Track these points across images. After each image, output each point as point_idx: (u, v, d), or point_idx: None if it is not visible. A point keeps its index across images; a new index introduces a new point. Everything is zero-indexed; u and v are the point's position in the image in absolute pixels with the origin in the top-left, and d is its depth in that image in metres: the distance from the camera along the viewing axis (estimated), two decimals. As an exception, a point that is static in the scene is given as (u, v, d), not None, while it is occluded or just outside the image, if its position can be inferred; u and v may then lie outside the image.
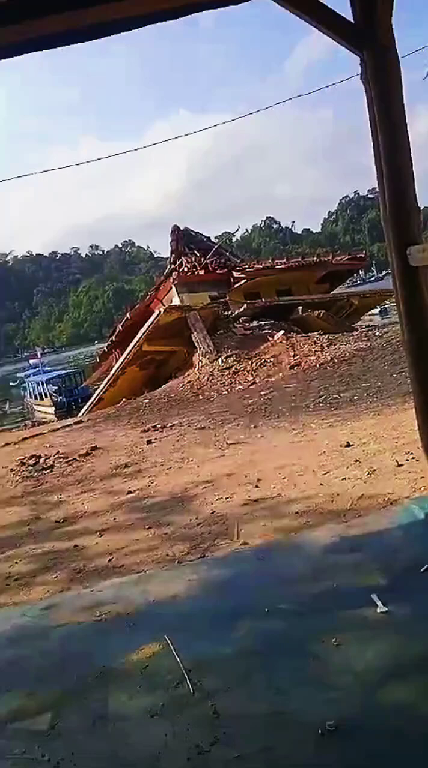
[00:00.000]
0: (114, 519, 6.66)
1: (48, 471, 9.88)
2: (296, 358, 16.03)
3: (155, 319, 19.36)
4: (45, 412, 32.59)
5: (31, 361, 52.76)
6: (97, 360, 29.18)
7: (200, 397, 14.98)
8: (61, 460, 10.43)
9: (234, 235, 67.86)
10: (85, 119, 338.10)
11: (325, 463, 6.90)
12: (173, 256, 25.86)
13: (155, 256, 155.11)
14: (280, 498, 6.11)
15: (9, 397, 45.84)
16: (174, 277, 23.14)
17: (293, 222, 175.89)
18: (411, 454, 6.16)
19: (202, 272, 23.46)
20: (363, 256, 31.22)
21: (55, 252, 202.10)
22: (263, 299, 21.53)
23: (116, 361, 22.10)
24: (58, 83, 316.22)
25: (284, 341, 17.53)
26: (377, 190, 4.01)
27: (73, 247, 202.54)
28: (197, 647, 3.45)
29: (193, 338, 18.65)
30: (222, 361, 17.19)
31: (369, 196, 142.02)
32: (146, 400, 16.24)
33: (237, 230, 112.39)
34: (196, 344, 18.52)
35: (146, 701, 3.08)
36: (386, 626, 3.32)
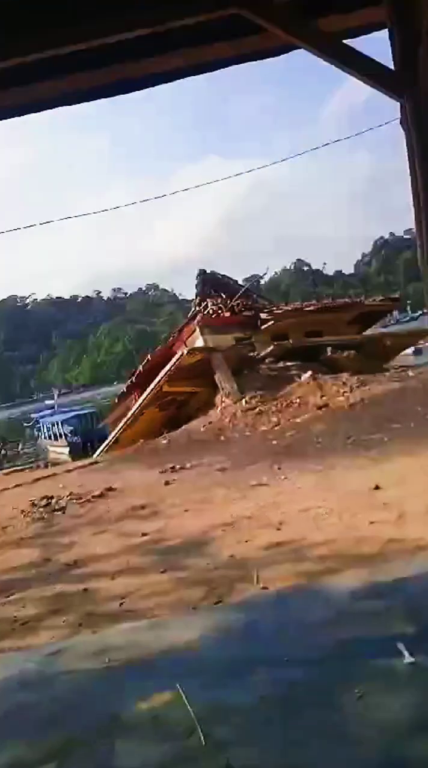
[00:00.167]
0: (127, 562, 6.50)
1: (60, 512, 9.76)
2: (324, 399, 15.76)
3: (177, 360, 19.33)
4: (59, 453, 32.50)
5: (47, 402, 52.95)
6: (116, 401, 29.18)
7: (222, 438, 14.78)
8: (74, 501, 10.31)
9: (262, 278, 68.53)
10: (114, 164, 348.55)
11: (352, 506, 6.69)
12: (198, 298, 26.01)
13: (180, 298, 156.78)
14: (303, 541, 5.91)
15: (22, 438, 45.90)
16: (199, 319, 23.19)
17: (325, 264, 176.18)
18: (444, 498, 5.92)
19: (228, 314, 23.50)
20: (397, 296, 31.03)
21: (77, 295, 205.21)
22: (291, 341, 21.43)
23: (135, 402, 22.05)
24: (87, 129, 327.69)
25: (311, 382, 17.28)
26: (413, 230, 3.96)
27: (95, 290, 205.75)
28: (211, 696, 3.28)
29: (216, 379, 18.55)
30: (246, 402, 17.00)
31: (405, 236, 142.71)
32: (165, 441, 16.10)
33: (265, 272, 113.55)
34: (219, 384, 18.41)
35: (156, 752, 2.92)
36: (413, 678, 3.11)
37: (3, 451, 38.01)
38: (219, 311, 23.72)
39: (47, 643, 4.68)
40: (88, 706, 3.49)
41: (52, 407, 45.47)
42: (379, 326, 31.40)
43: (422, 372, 17.76)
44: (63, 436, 33.74)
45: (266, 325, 21.97)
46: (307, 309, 23.59)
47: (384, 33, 3.81)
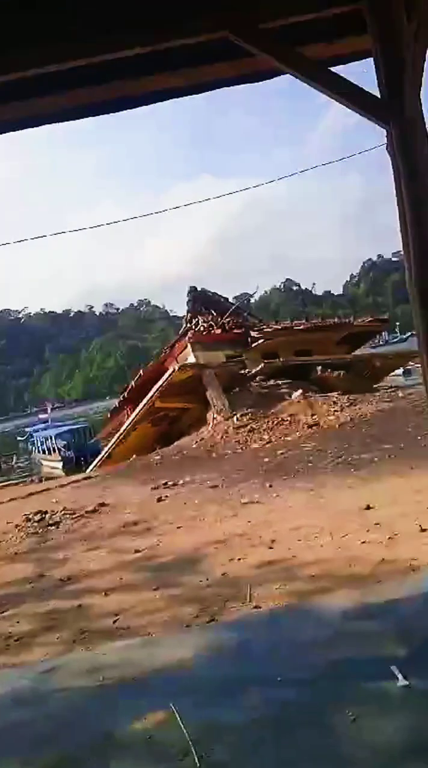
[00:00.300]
0: (120, 578, 6.48)
1: (54, 527, 9.71)
2: (314, 417, 15.84)
3: (169, 376, 19.39)
4: (52, 468, 32.39)
5: (40, 416, 52.77)
6: (108, 416, 29.15)
7: (214, 455, 14.78)
8: (67, 516, 10.27)
9: (252, 296, 68.70)
10: (105, 182, 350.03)
11: (343, 525, 6.70)
12: (189, 315, 26.12)
13: (171, 315, 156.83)
14: (295, 560, 5.93)
15: (16, 452, 45.71)
16: (190, 335, 23.29)
17: (314, 284, 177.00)
18: (436, 518, 5.96)
19: (219, 331, 23.62)
20: (385, 318, 31.28)
21: (69, 310, 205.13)
22: (281, 359, 21.54)
23: (128, 418, 22.07)
24: (81, 144, 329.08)
25: (302, 400, 17.39)
26: (401, 253, 4.04)
27: (87, 305, 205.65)
28: (204, 716, 3.27)
29: (207, 395, 18.60)
30: (237, 419, 17.05)
31: (393, 259, 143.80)
32: (158, 457, 16.08)
33: (255, 291, 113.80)
34: (210, 401, 18.46)
35: None
36: (406, 701, 3.11)
37: (-2, 465, 37.79)
38: (210, 328, 23.84)
39: (41, 659, 4.66)
40: (82, 724, 3.48)
41: (46, 421, 45.35)
42: (368, 347, 31.65)
43: (411, 393, 17.87)
44: (56, 451, 33.68)
45: (256, 343, 22.08)
46: (297, 328, 23.75)
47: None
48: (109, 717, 3.48)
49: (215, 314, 24.94)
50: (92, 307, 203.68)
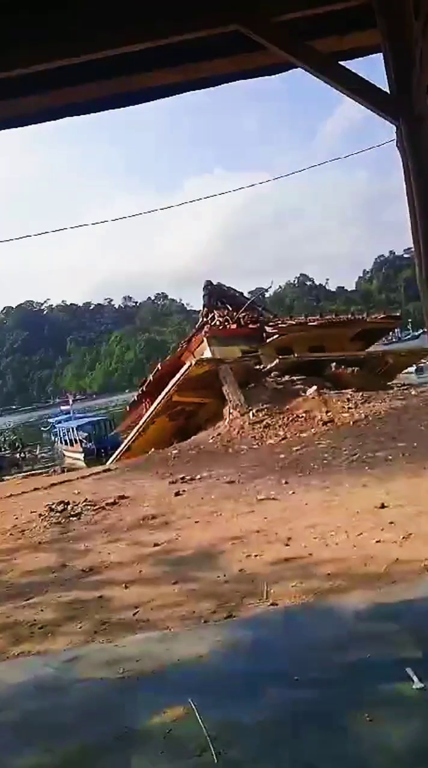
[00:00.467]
0: (140, 571, 6.58)
1: (76, 518, 9.85)
2: (329, 414, 15.85)
3: (186, 371, 19.45)
4: (75, 459, 32.76)
5: (62, 408, 53.42)
6: (127, 409, 29.36)
7: (230, 451, 14.88)
8: (88, 507, 10.40)
9: (267, 291, 68.37)
10: (119, 175, 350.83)
11: (358, 524, 6.76)
12: (205, 309, 26.12)
13: (187, 309, 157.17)
14: (311, 558, 5.98)
15: (40, 442, 46.32)
16: (206, 330, 23.32)
17: (327, 280, 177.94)
18: (451, 518, 6.01)
19: (234, 326, 23.62)
20: (398, 315, 31.11)
21: (89, 302, 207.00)
22: (296, 355, 21.54)
23: (146, 411, 22.19)
24: (98, 140, 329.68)
25: (316, 397, 17.40)
26: (413, 249, 4.05)
27: (106, 298, 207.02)
28: (222, 713, 3.34)
29: (224, 391, 18.64)
30: (253, 415, 17.10)
31: (405, 255, 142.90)
32: (175, 451, 16.20)
33: (270, 286, 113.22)
34: (226, 397, 18.53)
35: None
36: (423, 703, 3.15)
37: (22, 455, 38.28)
38: (226, 323, 23.87)
39: (64, 649, 4.76)
40: (102, 716, 3.56)
41: (68, 413, 45.84)
42: (381, 344, 31.52)
43: (424, 390, 17.83)
44: (78, 442, 34.02)
45: (271, 339, 22.10)
46: (311, 324, 23.72)
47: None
48: (129, 710, 3.56)
49: (230, 309, 24.98)
50: (111, 300, 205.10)
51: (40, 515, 10.25)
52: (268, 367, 20.37)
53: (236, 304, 25.46)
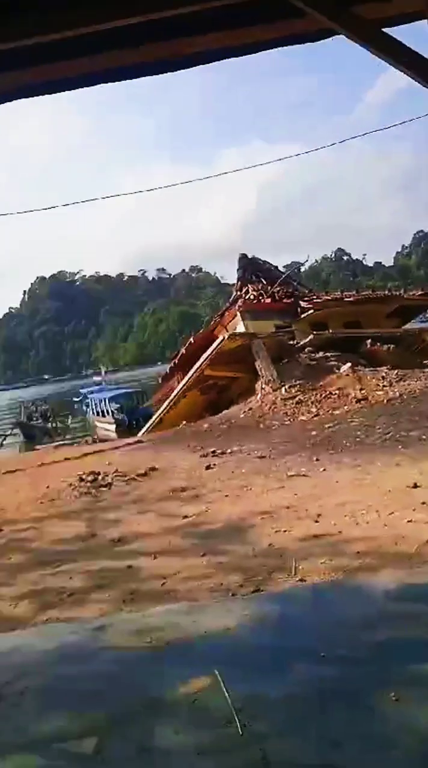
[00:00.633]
0: (169, 543, 6.62)
1: (106, 488, 9.95)
2: (362, 392, 15.67)
3: (218, 345, 19.40)
4: (106, 430, 33.08)
5: (95, 378, 53.90)
6: (160, 381, 29.48)
7: (261, 426, 14.83)
8: (119, 478, 10.49)
9: (303, 265, 67.67)
10: (158, 146, 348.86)
11: (390, 503, 6.68)
12: (239, 283, 25.97)
13: (222, 282, 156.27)
14: (340, 536, 5.95)
15: (70, 413, 46.87)
16: (240, 304, 23.20)
17: (365, 255, 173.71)
18: None
19: (268, 301, 23.45)
20: (437, 291, 30.49)
21: (122, 273, 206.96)
22: (331, 331, 21.30)
23: (178, 384, 22.24)
24: (130, 111, 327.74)
25: (350, 374, 17.21)
26: None
27: (140, 270, 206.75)
28: (248, 686, 3.33)
29: (256, 366, 18.57)
30: (285, 390, 17.00)
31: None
32: (207, 425, 16.22)
33: (306, 260, 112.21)
34: (259, 372, 18.44)
35: (193, 737, 2.97)
36: None
37: (53, 424, 38.88)
38: (260, 297, 23.69)
39: (92, 617, 4.81)
40: (129, 684, 3.59)
41: (100, 384, 46.17)
42: (418, 321, 30.92)
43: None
44: (110, 413, 34.31)
45: (305, 314, 21.87)
46: (347, 299, 23.38)
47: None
48: (155, 679, 3.58)
49: (265, 283, 24.76)
50: (145, 271, 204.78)
51: (70, 485, 10.35)
52: (302, 342, 20.19)
53: (270, 278, 25.23)
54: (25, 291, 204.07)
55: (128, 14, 3.64)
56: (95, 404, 37.75)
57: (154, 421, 22.30)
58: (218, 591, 5.01)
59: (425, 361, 21.00)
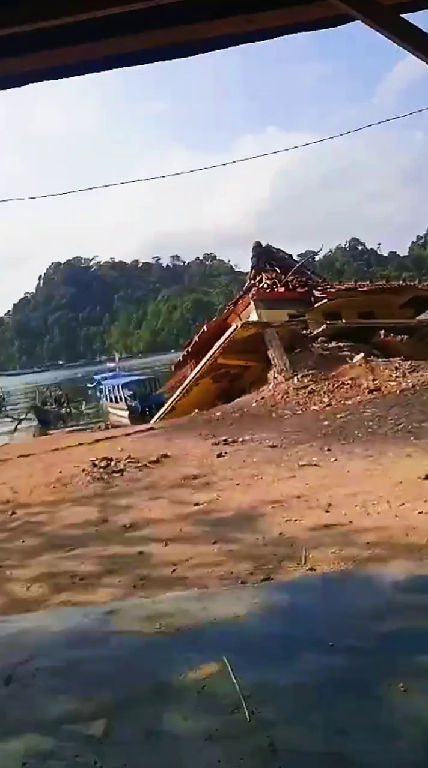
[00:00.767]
0: (180, 530, 6.65)
1: (118, 474, 9.98)
2: (375, 382, 15.60)
3: (231, 333, 19.36)
4: (119, 416, 33.22)
5: (109, 365, 54.07)
6: (172, 369, 29.52)
7: (273, 415, 14.82)
8: (131, 464, 10.52)
9: (317, 254, 67.05)
10: (173, 133, 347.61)
11: (401, 494, 6.67)
12: (253, 271, 25.87)
13: (236, 270, 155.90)
14: (351, 526, 5.95)
15: (84, 398, 47.10)
16: (253, 292, 23.13)
17: (379, 244, 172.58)
18: None
19: (282, 289, 23.35)
20: (452, 282, 30.21)
21: (137, 260, 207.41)
22: (344, 321, 21.20)
23: (191, 372, 22.25)
24: (147, 97, 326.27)
25: (363, 364, 17.12)
26: None
27: (154, 257, 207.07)
28: (256, 673, 3.36)
29: (269, 355, 18.53)
30: (298, 380, 16.96)
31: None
32: (219, 413, 16.21)
33: (320, 249, 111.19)
34: (272, 361, 18.41)
35: (201, 723, 3.00)
36: None
37: (68, 410, 39.09)
38: (274, 286, 23.60)
39: (103, 601, 4.87)
40: (138, 669, 3.62)
41: (114, 370, 46.38)
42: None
43: None
44: (123, 400, 34.46)
45: (319, 303, 21.78)
46: (360, 289, 23.23)
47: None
48: (164, 664, 3.61)
49: (279, 271, 24.65)
50: (159, 258, 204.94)
51: (83, 470, 10.39)
52: (315, 332, 20.13)
53: (284, 267, 25.11)
54: (40, 276, 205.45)
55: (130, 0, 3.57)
56: (109, 390, 37.96)
57: (166, 409, 22.35)
58: (228, 579, 5.04)
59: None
